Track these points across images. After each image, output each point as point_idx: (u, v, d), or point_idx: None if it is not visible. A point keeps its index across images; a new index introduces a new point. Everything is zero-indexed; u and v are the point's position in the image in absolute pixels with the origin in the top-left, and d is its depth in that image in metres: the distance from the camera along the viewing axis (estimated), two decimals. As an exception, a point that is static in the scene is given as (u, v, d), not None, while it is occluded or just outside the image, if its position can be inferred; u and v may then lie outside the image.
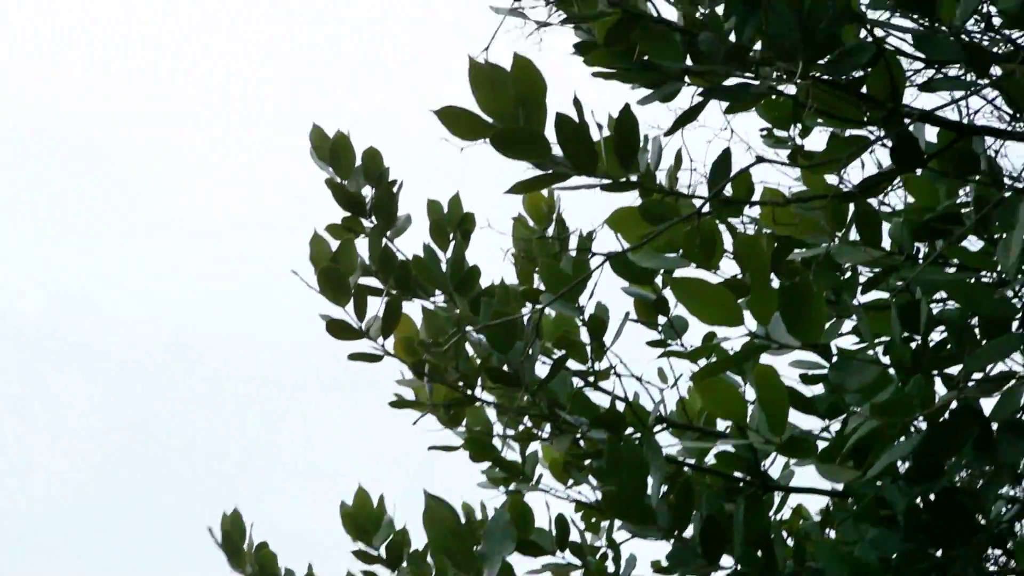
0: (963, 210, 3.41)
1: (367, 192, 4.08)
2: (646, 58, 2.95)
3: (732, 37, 2.87)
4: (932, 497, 3.14)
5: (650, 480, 3.44)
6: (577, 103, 3.02)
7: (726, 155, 3.19)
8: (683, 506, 3.46)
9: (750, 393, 3.52)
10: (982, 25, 3.33)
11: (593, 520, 4.14)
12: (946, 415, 3.06)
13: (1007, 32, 3.34)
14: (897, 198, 3.75)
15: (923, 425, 3.10)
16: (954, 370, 3.17)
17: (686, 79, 2.98)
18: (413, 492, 3.58)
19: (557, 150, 3.02)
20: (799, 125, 3.52)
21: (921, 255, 3.43)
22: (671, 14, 2.99)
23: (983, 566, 3.12)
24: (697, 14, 2.91)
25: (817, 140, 3.55)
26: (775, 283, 3.33)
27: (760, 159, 3.26)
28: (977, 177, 3.28)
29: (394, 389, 4.13)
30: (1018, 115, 3.14)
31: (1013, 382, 3.07)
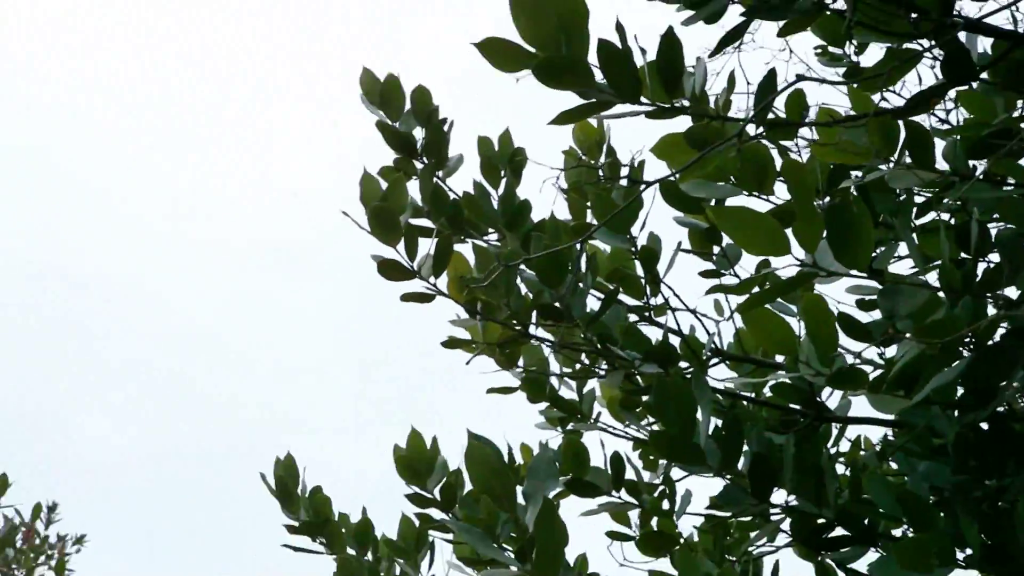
0: (1022, 124, 3.34)
1: (418, 133, 4.07)
2: None
3: None
4: (984, 425, 3.10)
5: (699, 417, 3.41)
6: (620, 28, 2.98)
7: (771, 74, 3.15)
8: (732, 442, 3.46)
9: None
10: None
11: (651, 458, 4.14)
12: (997, 337, 3.05)
13: None
14: (956, 116, 3.64)
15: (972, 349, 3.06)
16: (1008, 293, 3.15)
17: None
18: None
19: (601, 77, 2.98)
20: (854, 42, 3.51)
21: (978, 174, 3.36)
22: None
23: None
24: None
25: (874, 56, 3.50)
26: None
27: (801, 77, 3.20)
28: None
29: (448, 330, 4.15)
30: None
31: None
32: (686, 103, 3.14)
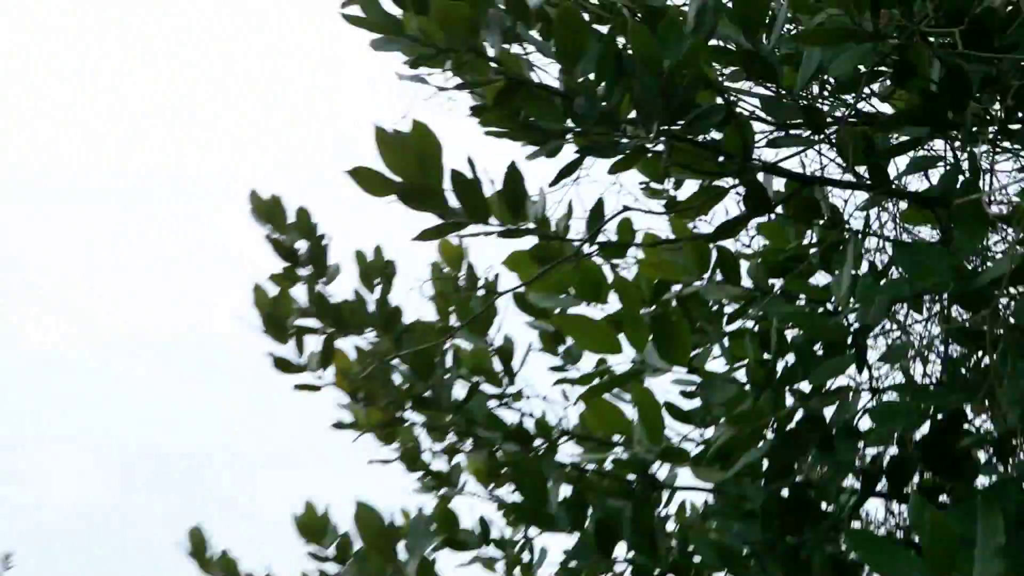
0: (811, 250, 3.39)
1: (301, 245, 4.08)
2: (531, 119, 2.90)
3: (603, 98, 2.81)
4: (785, 492, 3.12)
5: (551, 489, 3.43)
6: (469, 161, 2.97)
7: (599, 204, 3.16)
8: (579, 508, 3.44)
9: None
10: (819, 90, 3.30)
11: (512, 517, 4.07)
12: (794, 423, 3.07)
13: (840, 96, 3.31)
14: (756, 242, 3.73)
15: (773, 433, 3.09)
16: (802, 387, 3.17)
17: (567, 137, 2.92)
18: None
19: (455, 202, 2.97)
20: (672, 179, 3.51)
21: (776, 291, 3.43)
22: (552, 80, 2.94)
23: (825, 547, 3.06)
24: (576, 81, 2.83)
25: (690, 189, 3.50)
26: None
27: (627, 207, 3.22)
28: (820, 221, 3.27)
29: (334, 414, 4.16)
30: (848, 166, 3.10)
31: (848, 394, 3.12)
32: (531, 225, 3.13)
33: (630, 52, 2.75)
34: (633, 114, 2.87)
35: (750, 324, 3.51)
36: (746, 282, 3.46)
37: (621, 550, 3.51)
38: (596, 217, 3.10)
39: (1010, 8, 2.77)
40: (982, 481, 3.10)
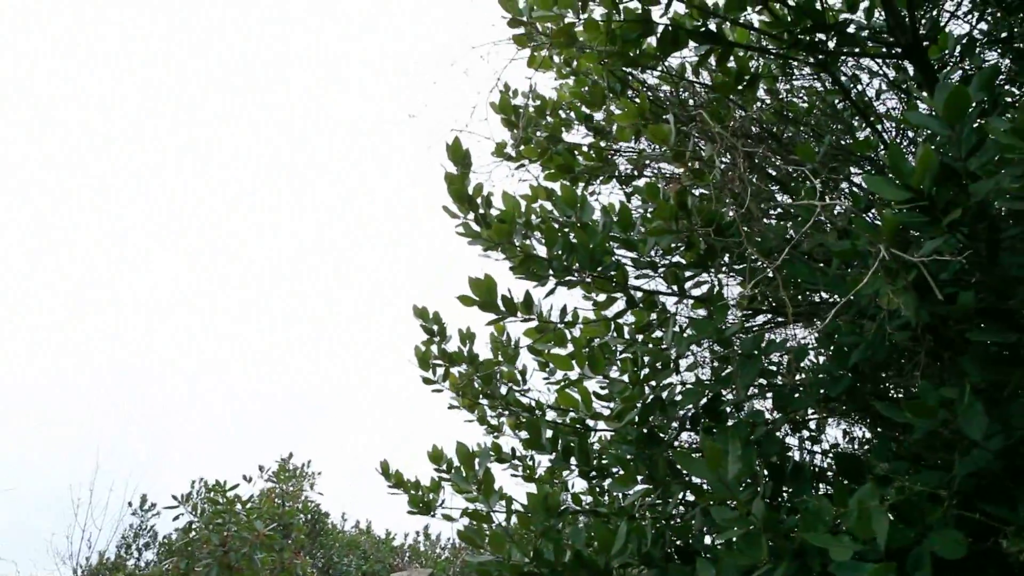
0: (652, 321, 3.36)
1: (435, 327, 3.91)
2: (534, 270, 3.00)
3: (565, 261, 2.94)
4: (645, 431, 3.08)
5: (543, 434, 3.35)
6: (509, 291, 3.08)
7: (564, 308, 3.24)
8: (555, 442, 3.35)
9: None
10: (657, 252, 3.32)
11: (525, 446, 3.89)
12: (650, 400, 3.03)
13: (664, 256, 3.44)
14: None
15: (640, 405, 3.05)
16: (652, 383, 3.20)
17: (551, 278, 3.02)
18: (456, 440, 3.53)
19: (502, 307, 3.05)
20: (593, 292, 3.39)
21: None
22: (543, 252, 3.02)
23: (665, 458, 3.01)
24: (552, 252, 2.96)
25: (601, 297, 3.45)
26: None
27: (577, 308, 3.28)
28: (655, 309, 3.27)
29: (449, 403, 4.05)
30: (669, 287, 3.16)
31: (672, 386, 3.09)
32: (534, 316, 3.16)
33: (576, 241, 2.93)
34: (577, 267, 3.01)
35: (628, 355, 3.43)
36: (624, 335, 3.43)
37: (574, 461, 3.42)
38: (564, 312, 3.22)
39: (727, 218, 3.02)
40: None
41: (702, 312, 3.52)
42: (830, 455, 3.69)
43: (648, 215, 3.26)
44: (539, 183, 4.15)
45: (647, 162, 3.67)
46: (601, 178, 4.11)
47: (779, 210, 3.25)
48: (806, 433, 3.49)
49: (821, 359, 3.36)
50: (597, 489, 3.63)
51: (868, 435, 3.61)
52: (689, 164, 2.92)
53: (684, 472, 3.08)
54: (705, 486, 2.89)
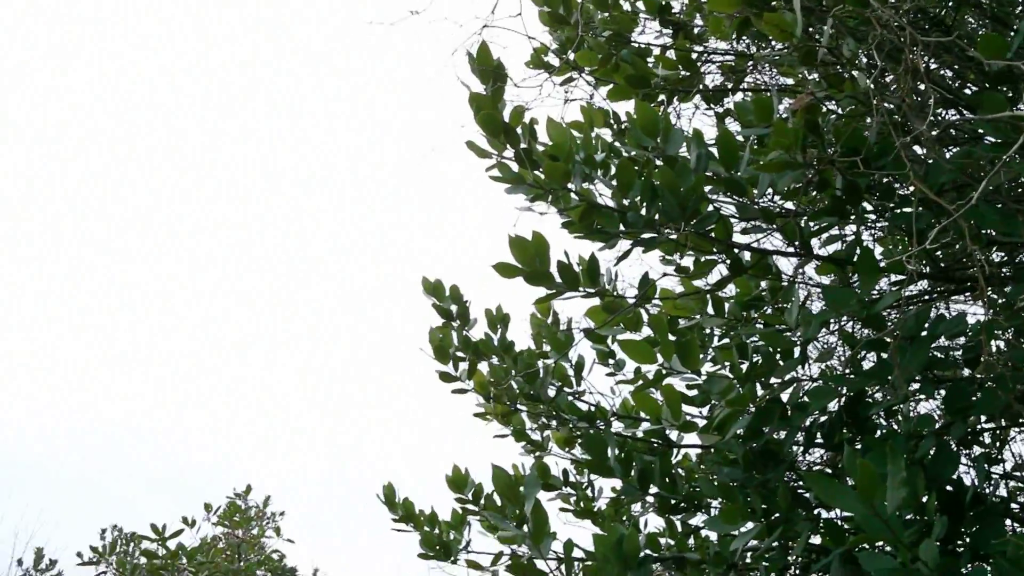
0: (763, 294, 3.44)
1: (454, 308, 4.06)
2: (599, 227, 3.00)
3: (644, 212, 2.93)
4: (756, 446, 3.14)
5: (608, 452, 3.45)
6: (566, 253, 3.09)
7: (645, 276, 3.26)
8: (627, 462, 3.46)
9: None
10: (773, 195, 3.35)
11: (581, 468, 4.12)
12: (764, 404, 3.11)
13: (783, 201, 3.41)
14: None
15: (752, 409, 3.11)
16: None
17: (622, 237, 3.02)
18: (487, 463, 3.63)
19: (558, 278, 3.06)
20: (679, 253, 3.52)
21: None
22: (610, 202, 3.03)
23: (786, 483, 3.08)
24: (625, 201, 2.96)
25: (687, 260, 3.56)
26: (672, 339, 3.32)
27: (665, 274, 3.36)
28: (769, 276, 3.34)
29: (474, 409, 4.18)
30: (789, 245, 3.17)
31: (795, 383, 3.16)
32: (605, 287, 3.20)
33: (659, 183, 2.90)
34: (660, 219, 2.95)
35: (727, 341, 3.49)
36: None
37: (653, 488, 3.49)
38: (644, 283, 3.20)
39: (876, 144, 2.88)
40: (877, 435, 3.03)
41: (834, 280, 3.59)
42: (1015, 479, 3.69)
43: (756, 145, 3.21)
44: (594, 103, 4.14)
45: (755, 68, 3.58)
46: (681, 95, 4.03)
47: (955, 131, 3.17)
48: (978, 450, 3.48)
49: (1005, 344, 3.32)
50: (684, 528, 3.75)
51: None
52: (820, 68, 2.81)
53: (814, 504, 3.11)
54: (847, 524, 2.89)
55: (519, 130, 3.06)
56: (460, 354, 4.03)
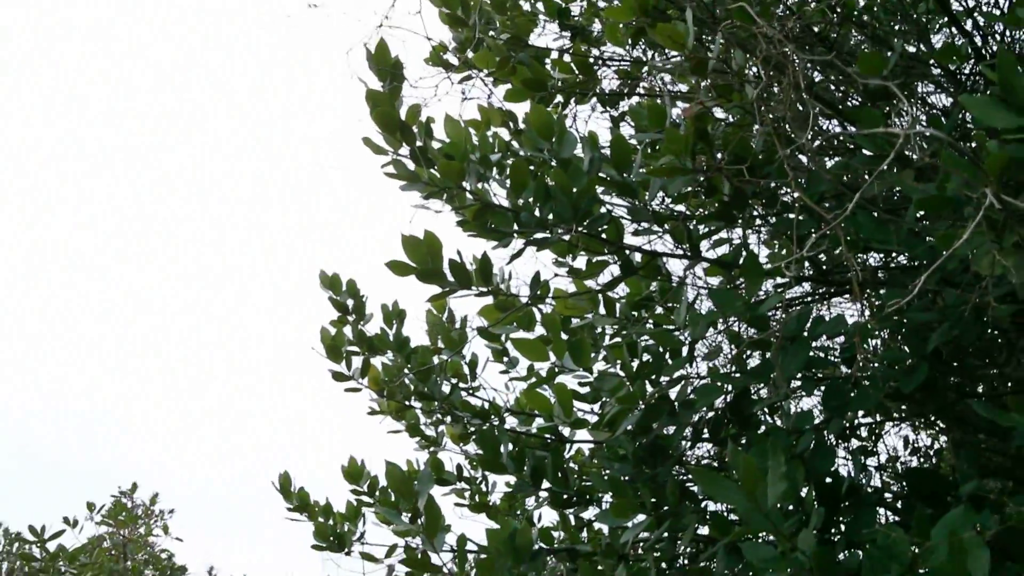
0: (653, 294, 3.51)
1: (350, 302, 4.00)
2: (493, 226, 3.01)
3: (537, 212, 2.94)
4: (646, 442, 3.18)
5: (502, 448, 3.48)
6: (459, 252, 3.09)
7: (537, 275, 3.29)
8: (520, 458, 3.49)
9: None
10: (664, 199, 3.41)
11: (474, 464, 4.14)
12: (653, 401, 3.12)
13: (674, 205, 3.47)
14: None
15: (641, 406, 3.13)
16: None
17: (515, 236, 3.03)
18: (381, 458, 3.59)
19: (450, 277, 3.06)
20: (571, 255, 3.52)
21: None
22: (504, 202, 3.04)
23: (674, 478, 3.12)
24: (520, 201, 2.97)
25: (580, 262, 3.54)
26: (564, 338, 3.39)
27: (556, 274, 3.37)
28: (659, 277, 3.39)
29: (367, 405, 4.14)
30: (679, 247, 3.24)
31: (683, 381, 3.19)
32: (499, 288, 3.22)
33: (552, 184, 2.92)
34: (552, 219, 2.96)
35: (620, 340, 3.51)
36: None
37: (545, 484, 3.54)
38: (536, 283, 3.23)
39: (761, 152, 2.97)
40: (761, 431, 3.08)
41: (721, 282, 3.63)
42: (888, 470, 3.85)
43: (649, 150, 3.26)
44: (492, 102, 4.14)
45: (650, 75, 3.64)
46: (578, 97, 4.07)
47: (835, 143, 3.28)
48: (854, 443, 3.62)
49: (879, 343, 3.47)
50: (577, 522, 3.76)
51: (937, 445, 3.72)
52: (711, 78, 2.87)
53: (701, 497, 3.16)
54: (731, 515, 2.94)
55: (415, 128, 3.03)
56: (354, 350, 3.99)
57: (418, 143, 3.02)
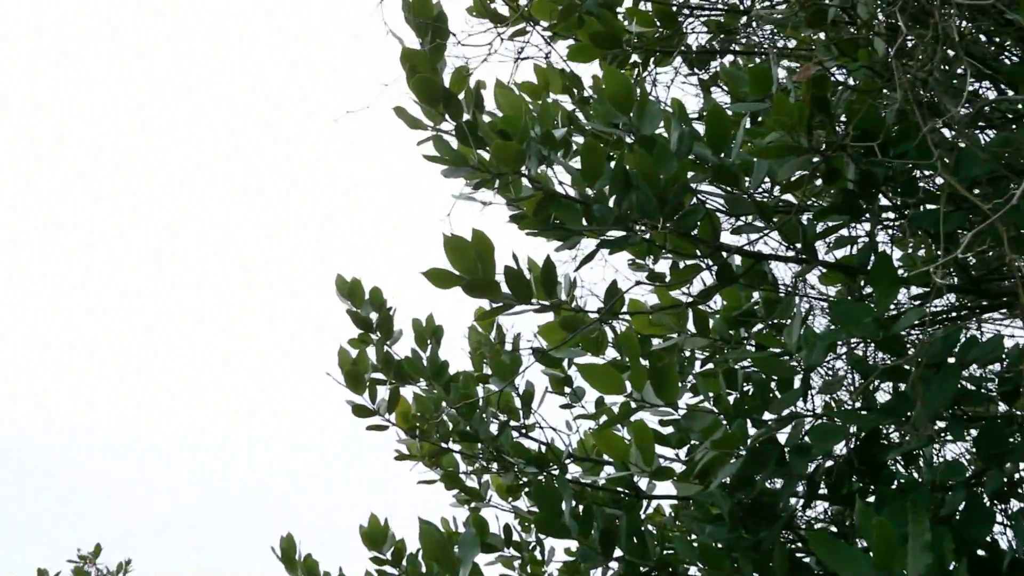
0: (756, 308, 3.49)
1: (374, 316, 4.05)
2: (557, 221, 3.02)
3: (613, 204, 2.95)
4: (747, 499, 3.17)
5: (563, 504, 3.43)
6: (515, 257, 3.09)
7: (614, 284, 3.27)
8: (586, 518, 3.44)
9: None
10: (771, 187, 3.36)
11: (527, 524, 4.13)
12: (756, 445, 3.11)
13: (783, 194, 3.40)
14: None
15: (742, 452, 3.11)
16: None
17: (584, 235, 3.05)
18: (410, 514, 3.57)
19: (505, 288, 3.06)
20: (652, 257, 3.53)
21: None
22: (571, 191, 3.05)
23: (783, 545, 3.11)
24: (591, 191, 2.98)
25: (663, 265, 3.59)
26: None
27: (638, 282, 3.32)
28: (764, 286, 3.38)
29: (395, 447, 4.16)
30: (789, 248, 3.25)
31: (796, 420, 3.17)
32: (563, 298, 3.23)
33: (633, 170, 2.91)
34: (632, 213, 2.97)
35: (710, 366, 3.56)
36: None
37: (617, 551, 3.45)
38: (612, 294, 3.22)
39: (896, 126, 2.95)
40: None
41: (843, 292, 3.67)
42: None
43: (750, 124, 3.30)
44: (551, 63, 4.18)
45: (751, 27, 3.66)
46: (659, 57, 4.10)
47: (992, 112, 3.26)
48: (1016, 505, 3.59)
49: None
50: None
51: None
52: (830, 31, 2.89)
53: (818, 570, 3.16)
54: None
55: (462, 97, 3.07)
56: (380, 376, 4.04)
57: (465, 117, 3.06)
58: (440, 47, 3.00)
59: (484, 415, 3.88)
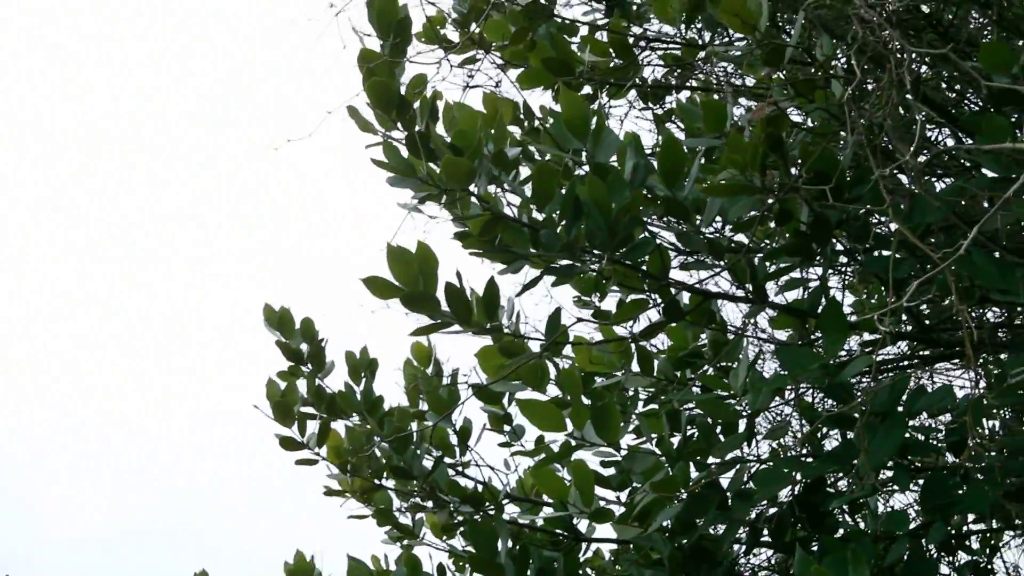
0: (703, 349, 3.51)
1: (304, 347, 4.04)
2: (504, 244, 3.03)
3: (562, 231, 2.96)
4: (687, 543, 3.16)
5: (499, 544, 3.44)
6: (458, 274, 3.10)
7: (556, 314, 3.28)
8: (523, 559, 3.45)
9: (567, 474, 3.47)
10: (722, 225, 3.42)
11: (462, 564, 4.05)
12: (698, 489, 3.11)
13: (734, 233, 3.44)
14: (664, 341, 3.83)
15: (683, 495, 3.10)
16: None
17: (529, 261, 3.06)
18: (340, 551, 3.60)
19: (445, 306, 3.08)
20: (598, 293, 3.60)
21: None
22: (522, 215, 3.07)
23: None
24: (540, 215, 3.00)
25: (609, 303, 3.62)
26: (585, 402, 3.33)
27: (580, 319, 3.33)
28: (712, 326, 3.41)
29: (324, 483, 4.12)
30: (739, 288, 3.29)
31: (739, 465, 3.20)
32: (504, 323, 3.24)
33: (585, 198, 2.91)
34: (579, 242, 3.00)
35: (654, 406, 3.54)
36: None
37: None
38: (554, 326, 3.23)
39: (851, 169, 2.97)
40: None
41: (792, 336, 3.68)
42: None
43: (706, 160, 3.30)
44: (501, 90, 4.20)
45: (707, 63, 3.69)
46: (612, 88, 4.13)
47: (947, 159, 3.31)
48: (963, 557, 3.63)
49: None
50: None
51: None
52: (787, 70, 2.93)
53: None
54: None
55: (416, 107, 3.09)
56: (310, 410, 4.01)
57: (418, 127, 3.08)
58: (398, 53, 3.01)
59: (418, 450, 3.86)
